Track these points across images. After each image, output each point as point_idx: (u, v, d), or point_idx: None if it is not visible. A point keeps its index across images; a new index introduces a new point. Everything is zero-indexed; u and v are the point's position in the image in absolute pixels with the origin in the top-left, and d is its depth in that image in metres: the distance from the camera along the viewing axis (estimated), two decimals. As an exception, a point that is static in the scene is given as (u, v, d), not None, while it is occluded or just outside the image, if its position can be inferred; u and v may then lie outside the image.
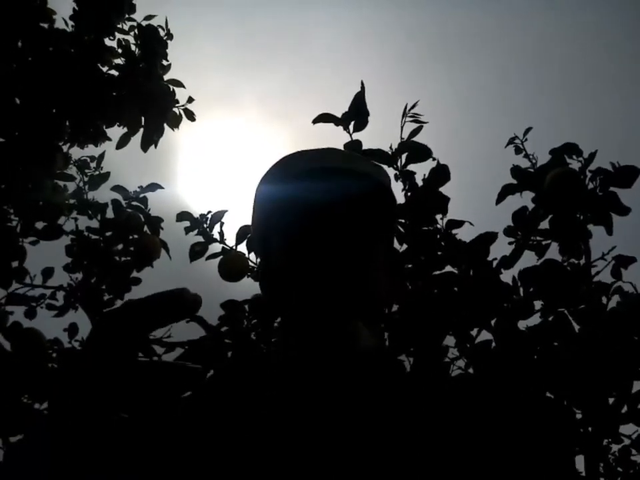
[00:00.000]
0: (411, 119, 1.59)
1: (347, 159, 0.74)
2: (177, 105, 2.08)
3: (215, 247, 1.89)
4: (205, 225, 1.87)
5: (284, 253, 0.71)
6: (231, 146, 3.12)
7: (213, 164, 3.02)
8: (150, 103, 1.97)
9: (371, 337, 0.70)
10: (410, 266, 1.74)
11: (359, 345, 0.68)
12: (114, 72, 1.93)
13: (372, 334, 0.71)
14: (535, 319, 1.74)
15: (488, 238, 1.72)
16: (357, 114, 1.60)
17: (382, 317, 0.80)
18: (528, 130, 1.71)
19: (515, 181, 1.73)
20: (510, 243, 1.71)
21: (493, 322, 1.75)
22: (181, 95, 2.08)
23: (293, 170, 0.72)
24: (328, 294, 0.66)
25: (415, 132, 1.62)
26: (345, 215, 0.69)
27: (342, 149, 0.81)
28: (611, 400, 1.71)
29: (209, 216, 1.87)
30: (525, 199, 1.73)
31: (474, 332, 1.77)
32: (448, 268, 1.76)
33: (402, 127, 1.60)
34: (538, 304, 1.73)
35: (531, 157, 1.71)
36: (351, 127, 1.63)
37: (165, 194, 2.35)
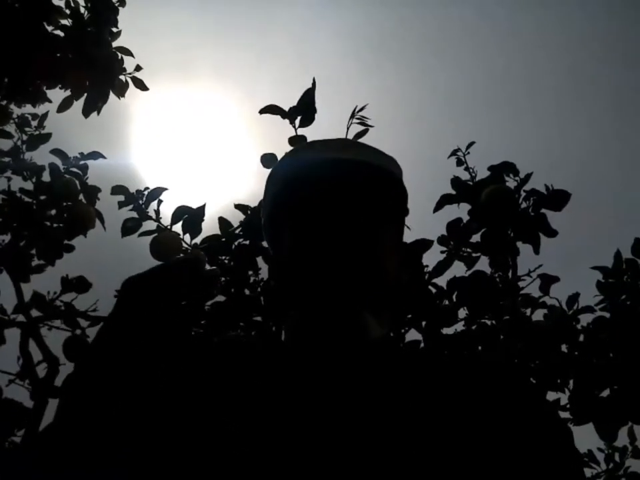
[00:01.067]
0: (358, 120, 1.59)
1: (362, 152, 0.76)
2: (124, 72, 2.01)
3: (150, 225, 1.85)
4: (140, 202, 1.82)
5: (293, 240, 0.71)
6: (183, 119, 3.05)
7: (163, 136, 2.95)
8: (95, 69, 1.90)
9: (381, 326, 0.70)
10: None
11: (369, 333, 0.67)
12: (60, 33, 1.85)
13: (382, 322, 0.70)
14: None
15: (423, 244, 1.75)
16: (305, 110, 1.59)
17: (392, 304, 0.79)
18: (471, 144, 1.74)
19: (454, 192, 1.76)
20: (442, 252, 1.74)
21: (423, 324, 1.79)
22: (130, 63, 2.02)
23: (306, 158, 0.75)
24: (337, 279, 0.66)
25: (360, 134, 1.62)
26: (354, 203, 0.70)
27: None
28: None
29: (146, 192, 1.83)
30: (462, 210, 1.77)
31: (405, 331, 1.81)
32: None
33: (348, 128, 1.60)
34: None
35: (471, 170, 1.74)
36: (297, 122, 1.62)
37: (108, 164, 2.29)
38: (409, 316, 1.79)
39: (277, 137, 1.74)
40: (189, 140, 2.91)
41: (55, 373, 1.86)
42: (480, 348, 1.80)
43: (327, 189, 0.71)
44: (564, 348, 1.82)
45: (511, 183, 1.65)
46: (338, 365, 0.65)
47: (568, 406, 1.76)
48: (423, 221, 1.99)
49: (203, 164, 2.60)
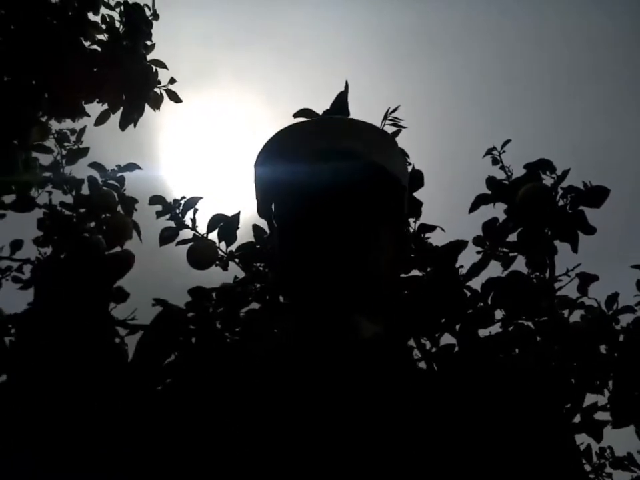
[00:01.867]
0: (391, 122, 1.59)
1: (355, 140, 0.70)
2: (158, 85, 2.06)
3: (186, 233, 1.88)
4: (177, 211, 1.85)
5: (283, 238, 0.70)
6: (214, 128, 3.09)
7: (195, 146, 3.00)
8: (131, 82, 1.95)
9: (373, 326, 0.69)
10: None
11: (360, 334, 0.67)
12: (96, 47, 1.90)
13: (375, 322, 0.69)
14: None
15: (457, 245, 1.73)
16: (338, 113, 1.60)
17: (386, 304, 0.78)
18: (506, 142, 1.72)
19: (489, 192, 1.74)
20: (478, 252, 1.72)
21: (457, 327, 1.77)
22: (163, 75, 2.06)
23: (292, 148, 0.70)
24: (328, 278, 0.65)
25: (393, 135, 1.62)
26: (345, 200, 0.67)
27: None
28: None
29: (182, 202, 1.86)
30: (497, 210, 1.75)
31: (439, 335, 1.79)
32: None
33: (381, 130, 1.60)
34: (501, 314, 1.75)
35: (507, 169, 1.72)
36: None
37: (143, 175, 2.33)
38: (443, 320, 1.77)
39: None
40: (218, 148, 2.95)
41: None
42: (516, 350, 1.77)
43: (318, 197, 0.67)
44: (603, 349, 1.79)
45: (547, 180, 1.63)
46: (332, 365, 0.65)
47: (608, 407, 1.72)
48: (457, 223, 1.97)
49: (235, 171, 2.63)
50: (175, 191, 1.98)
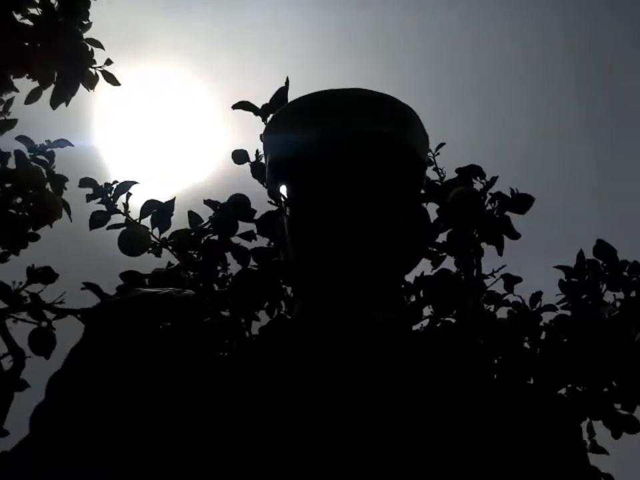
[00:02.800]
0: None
1: (373, 116, 0.67)
2: (94, 65, 1.99)
3: (118, 218, 1.84)
4: (109, 195, 1.81)
5: (296, 221, 0.67)
6: (152, 106, 3.00)
7: (134, 124, 2.90)
8: (64, 59, 1.87)
9: (390, 308, 0.67)
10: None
11: (375, 316, 0.65)
12: (28, 22, 1.82)
13: (392, 305, 0.68)
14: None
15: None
16: (277, 108, 1.59)
17: (399, 288, 0.77)
18: (440, 145, 1.77)
19: (422, 191, 1.79)
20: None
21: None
22: (100, 56, 1.99)
23: (302, 129, 0.67)
24: (346, 254, 0.62)
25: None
26: (365, 173, 0.65)
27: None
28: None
29: (114, 185, 1.82)
30: (430, 210, 1.79)
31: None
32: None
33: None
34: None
35: (440, 170, 1.77)
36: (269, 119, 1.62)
37: (76, 153, 2.25)
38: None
39: (249, 129, 1.74)
40: (157, 129, 2.88)
41: (20, 366, 1.84)
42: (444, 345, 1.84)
43: (333, 169, 0.65)
44: (527, 345, 1.88)
45: (477, 185, 1.69)
46: (344, 351, 0.63)
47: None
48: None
49: (172, 156, 2.58)
50: (109, 170, 1.93)
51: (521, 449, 0.58)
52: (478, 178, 1.67)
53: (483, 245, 1.70)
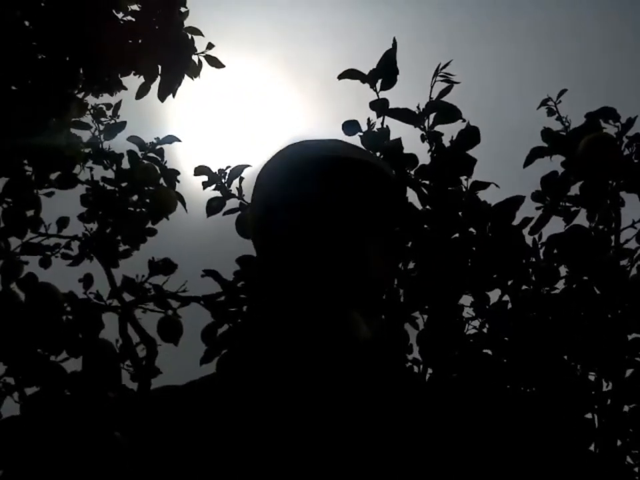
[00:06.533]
0: (442, 78, 1.52)
1: (358, 151, 0.73)
2: (195, 52, 2.00)
3: (233, 203, 1.85)
4: (223, 180, 1.82)
5: (286, 242, 0.68)
6: (254, 96, 3.02)
7: (235, 114, 2.93)
8: (168, 51, 1.90)
9: (369, 327, 0.69)
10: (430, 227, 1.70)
11: (357, 334, 0.67)
12: (130, 18, 1.85)
13: (371, 324, 0.70)
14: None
15: (514, 201, 1.67)
16: (386, 72, 1.53)
17: (380, 308, 0.79)
18: (562, 92, 1.64)
19: (545, 144, 1.67)
20: (537, 208, 1.66)
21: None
22: (200, 42, 2.00)
23: (300, 160, 0.70)
24: (328, 281, 0.65)
25: (444, 92, 1.55)
26: (353, 206, 0.67)
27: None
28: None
29: (228, 171, 1.83)
30: (554, 164, 1.68)
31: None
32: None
33: (432, 87, 1.53)
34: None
35: (564, 119, 1.64)
36: (378, 85, 1.56)
37: (183, 146, 2.30)
38: (495, 276, 1.73)
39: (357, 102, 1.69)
40: (259, 113, 2.89)
41: (153, 354, 1.90)
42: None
43: (326, 190, 0.67)
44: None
45: (610, 129, 1.55)
46: (325, 367, 0.64)
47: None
48: (509, 179, 1.90)
49: (279, 136, 2.58)
50: (216, 161, 1.94)
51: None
52: (611, 121, 1.53)
53: (623, 194, 1.56)
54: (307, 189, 0.67)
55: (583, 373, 1.65)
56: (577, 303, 1.71)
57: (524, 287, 1.69)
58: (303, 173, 0.68)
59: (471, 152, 1.63)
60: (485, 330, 1.73)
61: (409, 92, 1.80)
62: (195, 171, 1.83)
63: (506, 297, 1.69)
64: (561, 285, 1.65)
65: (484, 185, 1.69)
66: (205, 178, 1.83)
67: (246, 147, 2.61)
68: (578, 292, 1.70)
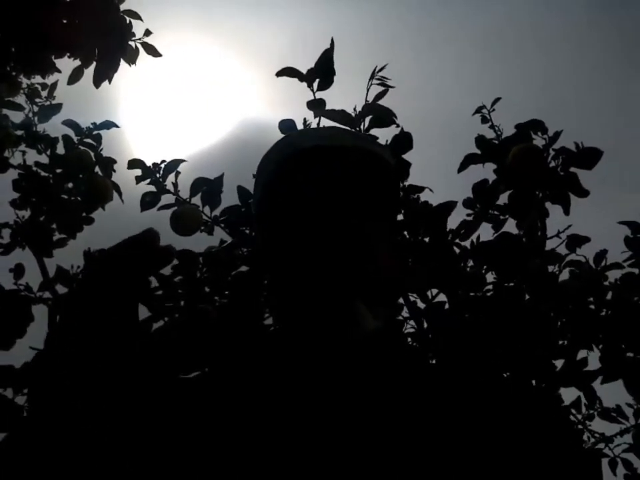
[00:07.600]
0: (378, 81, 1.53)
1: (361, 138, 0.74)
2: (133, 38, 1.94)
3: (168, 198, 1.82)
4: (157, 175, 1.78)
5: (289, 231, 0.69)
6: (198, 84, 2.96)
7: (178, 103, 2.87)
8: (105, 35, 1.83)
9: (375, 318, 0.68)
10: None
11: (363, 326, 0.66)
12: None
13: (378, 315, 0.68)
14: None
15: (447, 207, 1.70)
16: (323, 72, 1.53)
17: (390, 300, 0.78)
18: (496, 100, 1.66)
19: (478, 151, 1.70)
20: (468, 215, 1.69)
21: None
22: (138, 28, 1.94)
23: (304, 144, 0.70)
24: (333, 271, 0.65)
25: (380, 95, 1.55)
26: (356, 193, 0.68)
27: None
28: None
29: (163, 165, 1.79)
30: (486, 170, 1.71)
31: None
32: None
33: (368, 90, 1.54)
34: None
35: (496, 128, 1.67)
36: (315, 85, 1.56)
37: (125, 135, 2.24)
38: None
39: (295, 100, 1.68)
40: (198, 106, 2.84)
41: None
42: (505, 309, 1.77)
43: (328, 176, 0.68)
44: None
45: (538, 141, 1.59)
46: (333, 359, 0.64)
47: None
48: (446, 183, 1.93)
49: (217, 131, 2.54)
50: (154, 151, 1.90)
51: (509, 447, 0.57)
52: (539, 133, 1.57)
53: (548, 205, 1.61)
54: (303, 179, 0.69)
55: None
56: (505, 307, 1.77)
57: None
58: (297, 163, 0.70)
59: (408, 157, 1.65)
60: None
61: (349, 93, 1.81)
62: (128, 164, 1.79)
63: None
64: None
65: (419, 189, 1.72)
66: (139, 172, 1.79)
67: (195, 135, 2.56)
68: (506, 296, 1.76)
